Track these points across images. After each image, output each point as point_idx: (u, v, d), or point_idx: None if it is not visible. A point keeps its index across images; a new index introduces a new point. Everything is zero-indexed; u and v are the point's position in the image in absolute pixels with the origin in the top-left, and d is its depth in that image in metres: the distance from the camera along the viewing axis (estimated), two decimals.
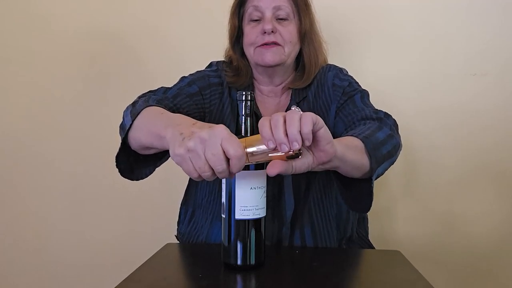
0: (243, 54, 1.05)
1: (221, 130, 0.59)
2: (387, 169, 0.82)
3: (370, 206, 0.78)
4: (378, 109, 0.93)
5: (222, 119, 1.00)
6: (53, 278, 1.51)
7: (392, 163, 0.83)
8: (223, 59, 1.10)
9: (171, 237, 1.06)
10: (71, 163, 1.50)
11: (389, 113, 0.92)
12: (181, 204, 1.06)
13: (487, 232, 1.39)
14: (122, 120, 0.85)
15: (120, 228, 1.49)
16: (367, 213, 1.08)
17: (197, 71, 1.05)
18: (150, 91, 0.96)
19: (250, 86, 1.06)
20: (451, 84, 1.39)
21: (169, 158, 0.93)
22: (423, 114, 1.40)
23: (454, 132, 1.39)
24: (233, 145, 0.58)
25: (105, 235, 1.50)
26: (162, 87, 0.97)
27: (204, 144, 0.58)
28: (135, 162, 0.85)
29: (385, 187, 1.43)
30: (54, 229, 1.51)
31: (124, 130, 0.81)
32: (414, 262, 0.80)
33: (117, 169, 0.84)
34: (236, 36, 1.04)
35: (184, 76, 1.02)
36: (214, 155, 0.58)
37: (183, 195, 1.07)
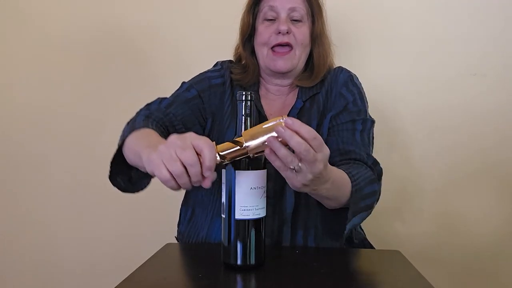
0: (252, 52, 1.06)
1: (190, 133, 0.64)
2: (364, 219, 0.85)
3: (339, 239, 0.88)
4: (370, 153, 0.95)
5: (222, 119, 1.00)
6: (53, 278, 1.51)
7: (368, 215, 0.86)
8: (228, 59, 1.10)
9: (171, 238, 1.06)
10: (72, 164, 1.50)
11: (377, 160, 0.93)
12: (181, 205, 1.06)
13: (487, 232, 1.39)
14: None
15: (120, 228, 1.49)
16: None
17: (200, 74, 1.06)
18: (147, 105, 0.98)
19: (256, 84, 1.06)
20: (451, 84, 1.39)
21: None
22: (423, 114, 1.40)
23: (454, 132, 1.39)
24: (202, 139, 0.61)
25: (105, 236, 1.50)
26: (158, 98, 0.99)
27: (174, 145, 0.61)
28: (136, 175, 0.89)
29: (385, 187, 1.42)
30: (55, 229, 1.51)
31: (117, 148, 0.85)
32: (414, 262, 0.80)
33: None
34: (248, 34, 1.05)
35: (184, 82, 1.04)
36: (184, 149, 0.60)
37: (183, 196, 1.07)
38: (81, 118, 1.50)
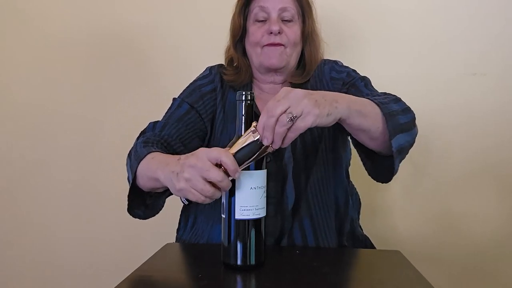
0: (244, 53, 1.07)
1: (201, 149, 0.68)
2: (410, 144, 0.84)
3: (391, 177, 0.87)
4: (385, 92, 0.94)
5: (216, 125, 1.02)
6: (53, 279, 1.51)
7: (413, 138, 0.85)
8: (219, 63, 1.11)
9: (171, 239, 1.06)
10: (71, 165, 1.50)
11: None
12: (181, 212, 1.06)
13: (487, 232, 1.39)
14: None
15: (120, 229, 1.49)
16: (357, 215, 1.08)
17: (189, 84, 1.06)
18: (141, 132, 0.99)
19: (249, 84, 1.07)
20: (450, 84, 1.39)
21: None
22: (422, 114, 1.39)
23: (454, 132, 1.39)
24: (215, 150, 0.66)
25: (105, 236, 1.50)
26: (150, 122, 1.00)
27: (195, 167, 0.66)
28: (150, 200, 0.92)
29: (385, 187, 1.42)
30: (54, 230, 1.51)
31: (129, 183, 0.87)
32: (414, 262, 0.80)
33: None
34: (240, 35, 1.05)
35: (174, 98, 1.04)
36: (208, 170, 0.65)
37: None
38: (81, 118, 1.50)
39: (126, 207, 0.88)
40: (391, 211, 1.42)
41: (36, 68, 1.50)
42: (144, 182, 0.83)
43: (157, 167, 0.76)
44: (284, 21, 1.00)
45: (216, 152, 0.66)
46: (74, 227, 1.51)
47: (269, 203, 0.82)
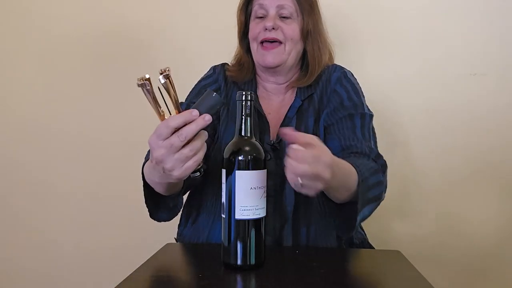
0: (248, 50, 1.08)
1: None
2: (373, 211, 0.86)
3: (350, 235, 0.90)
4: (372, 147, 0.95)
5: (220, 123, 1.02)
6: (53, 278, 1.51)
7: (377, 205, 0.87)
8: (222, 62, 1.12)
9: (171, 238, 1.06)
10: (73, 166, 1.50)
11: (380, 154, 0.93)
12: (183, 207, 1.06)
13: (488, 232, 1.39)
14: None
15: (121, 228, 1.49)
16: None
17: (195, 85, 1.09)
18: None
19: (252, 81, 1.08)
20: (450, 84, 1.39)
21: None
22: (423, 114, 1.40)
23: (453, 133, 1.39)
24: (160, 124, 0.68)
25: (106, 236, 1.50)
26: None
27: (152, 138, 0.68)
28: (172, 203, 0.95)
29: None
30: (55, 229, 1.51)
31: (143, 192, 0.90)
32: (414, 262, 0.80)
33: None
34: (243, 32, 1.08)
35: (181, 102, 1.05)
36: (164, 137, 0.66)
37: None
38: (82, 119, 1.49)
39: (138, 211, 0.92)
40: (391, 211, 1.42)
41: (36, 69, 1.50)
42: (154, 186, 0.86)
43: (148, 172, 0.82)
44: (282, 17, 1.02)
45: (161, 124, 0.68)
46: (74, 227, 1.51)
47: (268, 201, 0.81)
